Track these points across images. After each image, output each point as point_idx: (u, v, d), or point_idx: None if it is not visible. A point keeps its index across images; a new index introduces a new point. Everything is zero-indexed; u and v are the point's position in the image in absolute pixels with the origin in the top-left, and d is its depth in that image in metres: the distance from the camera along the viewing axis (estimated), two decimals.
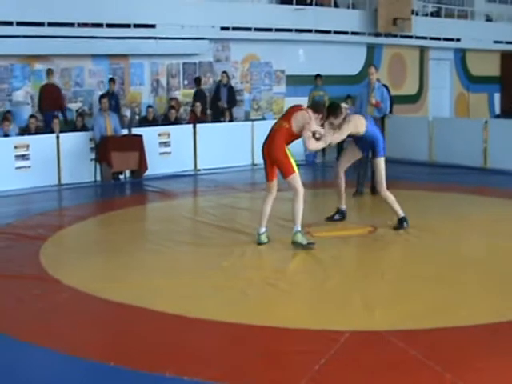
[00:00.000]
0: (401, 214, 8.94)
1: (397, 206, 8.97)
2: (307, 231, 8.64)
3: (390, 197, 9.01)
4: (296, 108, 8.37)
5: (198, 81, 17.03)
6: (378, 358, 4.80)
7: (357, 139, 9.13)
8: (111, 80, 15.58)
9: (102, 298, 6.25)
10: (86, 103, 16.00)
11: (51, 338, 5.33)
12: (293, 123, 8.16)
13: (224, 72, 17.25)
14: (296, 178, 8.13)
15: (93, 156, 13.50)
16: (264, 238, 8.29)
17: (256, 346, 5.13)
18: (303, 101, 16.75)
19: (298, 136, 8.25)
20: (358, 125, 8.92)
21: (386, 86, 16.82)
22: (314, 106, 8.58)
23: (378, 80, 12.09)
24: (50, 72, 14.98)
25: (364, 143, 9.17)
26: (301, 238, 8.04)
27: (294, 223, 8.08)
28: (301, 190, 8.14)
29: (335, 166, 9.76)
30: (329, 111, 8.70)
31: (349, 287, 6.57)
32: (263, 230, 8.31)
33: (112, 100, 14.83)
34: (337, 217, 9.47)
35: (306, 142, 8.34)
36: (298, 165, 8.31)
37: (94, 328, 5.68)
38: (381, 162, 9.07)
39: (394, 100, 18.04)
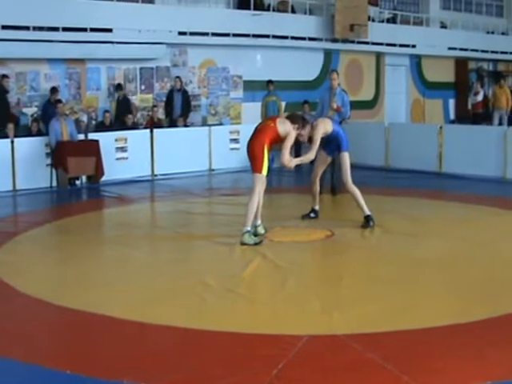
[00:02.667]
0: (366, 211, 9.23)
1: (363, 203, 9.24)
2: (265, 236, 8.67)
3: (356, 191, 9.31)
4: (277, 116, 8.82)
5: (119, 87, 16.44)
6: (336, 362, 4.82)
7: (324, 142, 9.28)
8: (54, 89, 15.38)
9: (58, 305, 6.17)
10: (42, 108, 15.79)
11: (6, 346, 5.24)
12: (278, 124, 8.48)
13: (177, 77, 17.18)
14: (261, 178, 8.38)
15: (48, 161, 13.37)
16: (260, 230, 8.76)
17: (214, 351, 5.11)
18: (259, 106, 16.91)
19: (280, 139, 8.49)
20: (326, 125, 9.30)
21: (344, 92, 16.99)
22: (291, 118, 8.82)
23: (338, 85, 12.26)
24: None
25: (330, 143, 9.41)
26: (248, 239, 8.24)
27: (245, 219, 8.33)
28: (258, 191, 8.35)
29: (311, 174, 10.01)
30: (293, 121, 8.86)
31: (307, 291, 6.59)
32: (258, 222, 8.75)
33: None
34: (312, 215, 9.81)
35: (283, 153, 8.57)
36: (268, 172, 8.50)
37: (51, 335, 5.61)
38: (346, 156, 9.41)
39: (351, 105, 18.19)
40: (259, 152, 8.32)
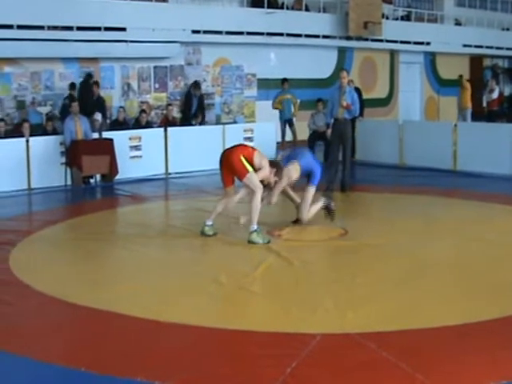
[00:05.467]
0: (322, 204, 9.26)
1: (317, 207, 9.24)
2: (278, 234, 8.68)
3: (312, 213, 9.21)
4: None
5: (96, 84, 15.97)
6: (350, 360, 4.82)
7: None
8: (72, 85, 15.46)
9: (73, 303, 6.20)
10: (56, 107, 15.88)
11: (21, 344, 5.27)
12: (256, 153, 8.59)
13: (196, 83, 17.29)
14: (251, 177, 8.39)
15: (63, 160, 13.39)
16: (208, 230, 8.73)
17: (227, 349, 5.13)
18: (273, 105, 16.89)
19: (252, 164, 8.49)
20: (292, 175, 9.04)
21: (358, 89, 17.00)
22: (271, 162, 8.90)
23: (349, 83, 12.33)
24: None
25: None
26: (256, 238, 8.25)
27: (250, 216, 8.34)
28: (258, 189, 8.38)
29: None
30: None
31: (320, 290, 6.59)
32: (210, 222, 8.75)
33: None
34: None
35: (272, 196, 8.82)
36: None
37: (65, 333, 5.63)
38: (312, 190, 9.15)
39: (365, 103, 18.17)
40: (235, 158, 8.38)
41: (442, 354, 4.89)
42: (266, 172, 8.63)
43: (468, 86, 19.64)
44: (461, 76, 20.19)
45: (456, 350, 4.96)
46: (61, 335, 5.57)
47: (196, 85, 17.31)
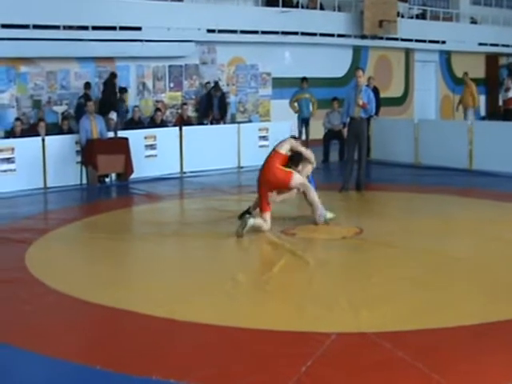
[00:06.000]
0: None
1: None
2: (292, 233, 8.67)
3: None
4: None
5: (113, 76, 16.11)
6: (365, 360, 4.81)
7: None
8: (87, 84, 15.53)
9: (88, 301, 6.22)
10: (72, 106, 15.94)
11: (37, 342, 5.29)
12: (278, 148, 8.87)
13: (216, 83, 17.34)
14: (296, 177, 8.69)
15: (79, 159, 13.43)
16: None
17: (242, 348, 5.12)
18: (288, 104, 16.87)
19: (288, 157, 8.84)
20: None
21: (376, 89, 16.99)
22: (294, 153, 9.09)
23: (369, 81, 12.32)
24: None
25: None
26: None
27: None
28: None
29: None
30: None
31: (335, 289, 6.57)
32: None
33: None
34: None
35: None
36: None
37: (80, 331, 5.65)
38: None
39: (381, 102, 18.11)
40: (275, 171, 8.62)
41: (459, 353, 4.87)
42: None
43: (471, 84, 19.49)
44: (465, 73, 20.07)
45: (473, 350, 4.93)
46: (76, 333, 5.59)
47: (216, 86, 17.35)
